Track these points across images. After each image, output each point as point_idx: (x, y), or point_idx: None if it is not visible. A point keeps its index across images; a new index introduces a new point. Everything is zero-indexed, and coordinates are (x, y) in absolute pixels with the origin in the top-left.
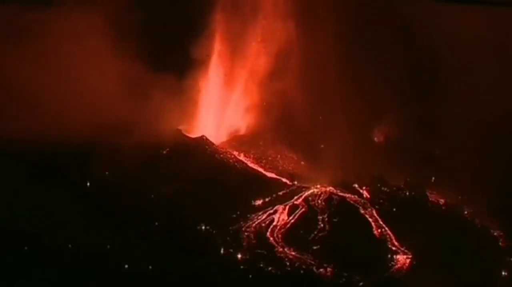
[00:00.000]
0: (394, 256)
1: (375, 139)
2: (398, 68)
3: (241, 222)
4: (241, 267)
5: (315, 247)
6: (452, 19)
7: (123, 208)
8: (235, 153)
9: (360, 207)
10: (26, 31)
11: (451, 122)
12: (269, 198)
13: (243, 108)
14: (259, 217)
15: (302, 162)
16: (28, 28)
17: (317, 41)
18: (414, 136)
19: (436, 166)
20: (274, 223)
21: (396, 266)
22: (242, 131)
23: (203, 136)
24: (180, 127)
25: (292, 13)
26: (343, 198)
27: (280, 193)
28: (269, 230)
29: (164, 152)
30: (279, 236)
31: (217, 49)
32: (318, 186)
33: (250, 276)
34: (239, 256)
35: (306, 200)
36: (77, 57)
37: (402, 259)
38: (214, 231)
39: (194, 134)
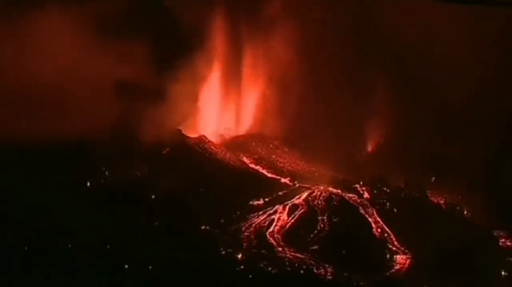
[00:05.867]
0: (394, 256)
1: (375, 139)
2: (398, 68)
3: (241, 222)
4: (241, 267)
5: (315, 247)
6: (448, 19)
7: (124, 208)
8: (235, 153)
9: (360, 207)
10: (24, 32)
11: (451, 123)
12: (269, 198)
13: (242, 109)
14: (259, 217)
15: (302, 162)
16: (26, 29)
17: (315, 44)
18: (414, 136)
19: (436, 166)
20: (274, 223)
21: (396, 266)
22: (242, 131)
23: (203, 136)
24: (180, 127)
25: (289, 19)
26: (343, 198)
27: (280, 193)
28: (269, 230)
29: (164, 152)
30: (279, 236)
31: (217, 51)
32: (318, 186)
33: (250, 276)
34: (239, 256)
35: (306, 200)
36: (78, 59)
37: (402, 259)
38: (214, 231)
39: (194, 134)
